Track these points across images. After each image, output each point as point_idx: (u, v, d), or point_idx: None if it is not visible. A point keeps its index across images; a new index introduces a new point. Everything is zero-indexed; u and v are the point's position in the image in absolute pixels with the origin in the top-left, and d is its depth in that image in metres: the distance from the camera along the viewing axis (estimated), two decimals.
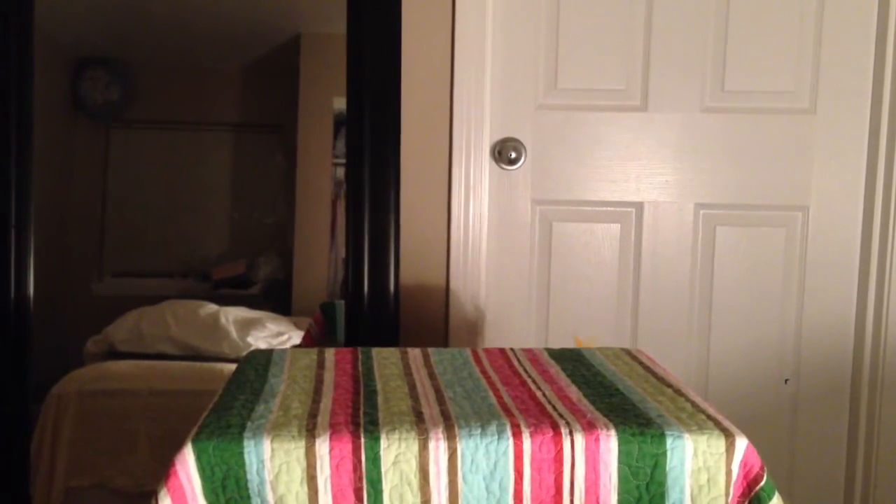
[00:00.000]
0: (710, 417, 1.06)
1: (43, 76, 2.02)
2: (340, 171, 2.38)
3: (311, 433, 1.00)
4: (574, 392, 1.17)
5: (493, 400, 1.13)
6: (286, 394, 1.14)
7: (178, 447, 1.00)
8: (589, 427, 1.02)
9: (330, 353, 1.37)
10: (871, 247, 2.08)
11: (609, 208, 2.11)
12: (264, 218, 2.59)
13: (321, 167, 2.48)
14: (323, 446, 0.99)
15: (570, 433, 1.01)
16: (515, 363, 1.33)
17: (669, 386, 1.21)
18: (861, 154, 2.10)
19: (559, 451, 1.00)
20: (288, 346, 2.38)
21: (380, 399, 1.13)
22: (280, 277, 2.55)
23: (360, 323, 2.01)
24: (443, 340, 2.07)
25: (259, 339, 2.38)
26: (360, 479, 0.99)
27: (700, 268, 2.12)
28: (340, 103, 2.12)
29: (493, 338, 2.10)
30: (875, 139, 2.07)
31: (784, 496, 1.04)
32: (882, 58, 2.04)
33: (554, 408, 1.09)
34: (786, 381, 2.13)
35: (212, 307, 2.45)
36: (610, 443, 1.01)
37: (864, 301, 2.10)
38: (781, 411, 2.16)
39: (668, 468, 1.01)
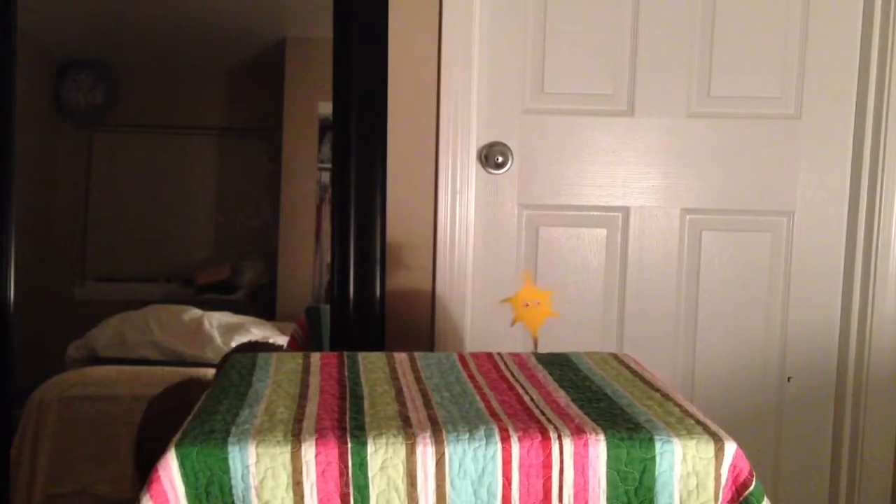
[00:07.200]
0: (698, 422, 1.06)
1: (26, 79, 1.99)
2: (325, 176, 2.37)
3: (296, 438, 0.99)
4: (562, 397, 1.16)
5: (481, 404, 1.12)
6: (271, 398, 1.13)
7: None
8: (577, 432, 1.01)
9: (315, 358, 1.36)
10: (855, 251, 2.09)
11: (596, 213, 2.11)
12: (249, 222, 2.58)
13: (306, 171, 2.46)
14: (309, 451, 0.98)
15: (559, 438, 1.00)
16: (503, 367, 1.33)
17: (657, 390, 1.20)
18: (846, 159, 2.11)
19: (548, 456, 1.00)
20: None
21: (366, 404, 1.12)
22: (264, 282, 2.53)
23: (346, 328, 1.99)
24: (429, 345, 2.06)
25: None
26: (347, 484, 0.98)
27: (686, 272, 2.13)
28: (326, 108, 2.11)
29: (480, 342, 2.09)
30: (859, 144, 2.08)
31: (770, 500, 1.04)
32: (866, 63, 2.06)
33: (542, 412, 1.09)
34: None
35: (195, 312, 2.43)
36: (598, 448, 1.00)
37: (848, 305, 2.11)
38: (767, 415, 2.16)
39: (656, 473, 1.00)
